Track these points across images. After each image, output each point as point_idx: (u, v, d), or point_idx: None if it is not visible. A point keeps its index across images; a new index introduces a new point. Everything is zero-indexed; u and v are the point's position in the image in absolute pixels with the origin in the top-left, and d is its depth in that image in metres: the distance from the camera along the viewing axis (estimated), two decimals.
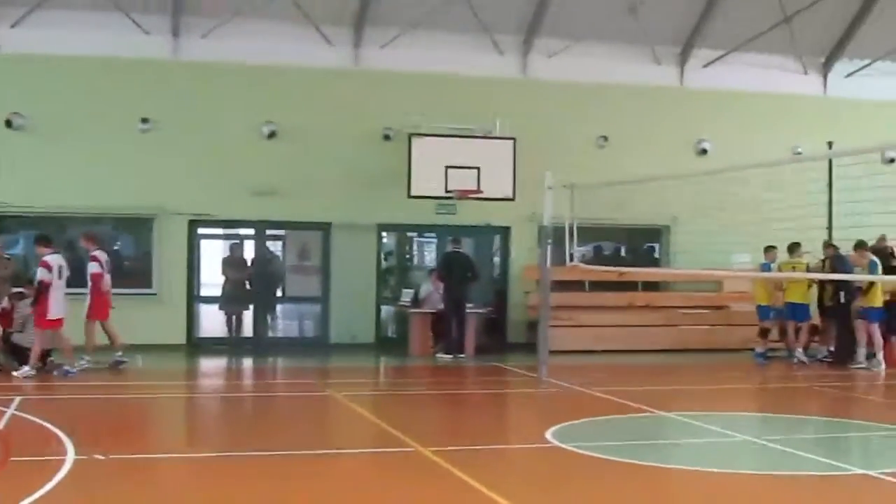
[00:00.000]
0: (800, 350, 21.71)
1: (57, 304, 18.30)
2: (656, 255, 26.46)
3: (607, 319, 24.08)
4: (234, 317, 24.45)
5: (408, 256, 26.78)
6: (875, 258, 20.84)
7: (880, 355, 20.80)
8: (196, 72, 23.24)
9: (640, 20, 24.57)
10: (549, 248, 18.77)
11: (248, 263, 24.91)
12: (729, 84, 25.83)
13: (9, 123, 22.30)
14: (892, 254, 22.32)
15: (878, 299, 20.93)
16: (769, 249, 21.63)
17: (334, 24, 23.81)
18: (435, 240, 26.13)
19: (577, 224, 18.92)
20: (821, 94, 26.93)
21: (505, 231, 24.91)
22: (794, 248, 21.52)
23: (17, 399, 15.27)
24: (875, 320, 20.90)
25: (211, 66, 23.21)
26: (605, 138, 25.07)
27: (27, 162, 22.31)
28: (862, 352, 20.96)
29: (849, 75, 26.95)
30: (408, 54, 23.96)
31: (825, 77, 27.01)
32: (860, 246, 20.80)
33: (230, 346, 23.79)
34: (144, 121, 22.85)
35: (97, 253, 19.34)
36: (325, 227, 24.12)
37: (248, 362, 22.42)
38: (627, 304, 24.64)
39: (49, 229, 21.08)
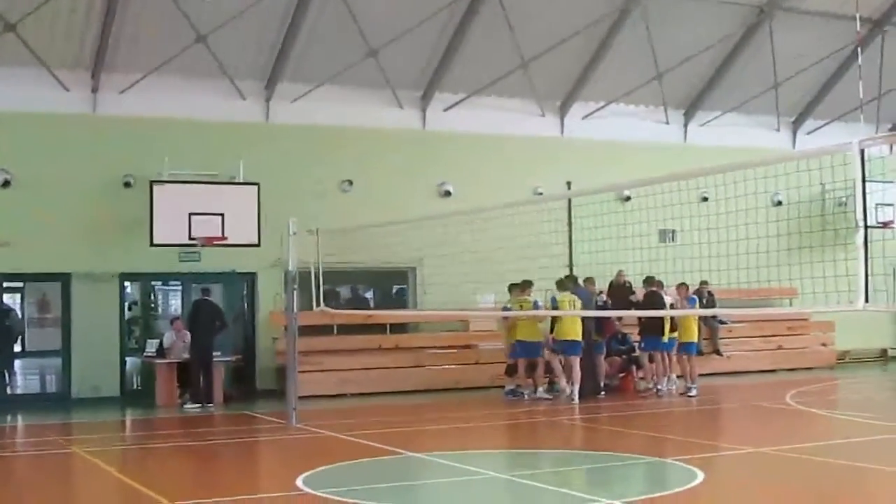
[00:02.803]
0: (539, 388, 22.18)
1: None
2: (404, 296, 26.61)
3: (356, 362, 24.09)
4: None
5: (152, 306, 26.22)
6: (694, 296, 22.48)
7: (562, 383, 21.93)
8: None
9: (382, 64, 24.78)
10: (295, 293, 18.64)
11: None
12: (470, 127, 26.32)
13: None
14: (630, 288, 23.16)
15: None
16: (513, 288, 22.08)
17: (70, 68, 23.14)
18: (180, 288, 25.65)
19: (324, 268, 18.86)
20: (559, 136, 27.70)
21: (251, 277, 24.64)
22: (525, 285, 22.00)
23: None
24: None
25: None
26: (350, 182, 25.13)
27: None
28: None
29: (585, 117, 27.83)
30: (148, 99, 23.45)
31: (562, 119, 27.80)
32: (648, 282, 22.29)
33: None
34: None
35: None
36: (64, 278, 23.34)
37: None
38: (376, 347, 24.69)
39: None
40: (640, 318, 22.68)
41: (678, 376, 22.86)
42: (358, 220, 20.76)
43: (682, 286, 22.05)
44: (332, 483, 12.63)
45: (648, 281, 22.24)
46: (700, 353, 26.01)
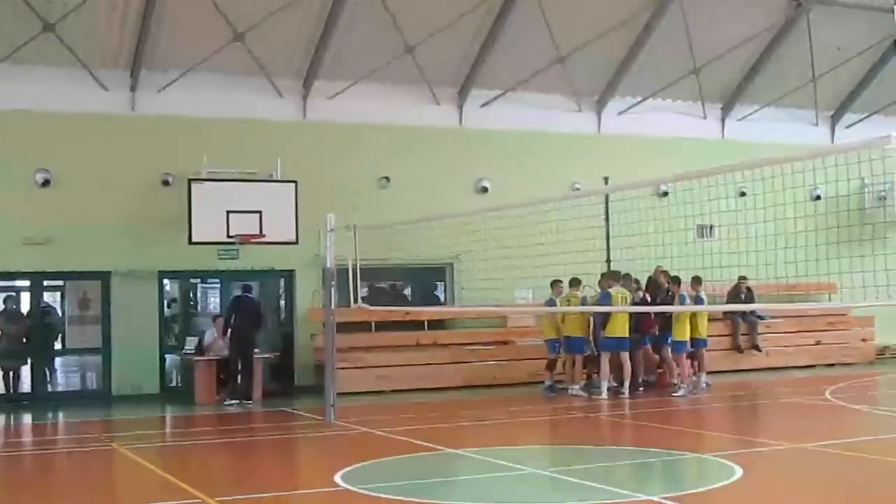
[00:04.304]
0: (576, 385, 22.08)
1: None
2: (441, 293, 26.64)
3: (394, 359, 24.10)
4: (11, 372, 23.58)
5: (191, 303, 26.32)
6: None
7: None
8: None
9: (418, 60, 24.83)
10: (333, 290, 18.70)
11: (25, 316, 24.12)
12: (507, 123, 26.32)
13: None
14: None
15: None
16: (555, 284, 22.04)
17: (109, 67, 23.31)
18: (219, 285, 25.77)
19: (361, 265, 18.91)
20: (596, 132, 27.65)
21: (289, 274, 24.73)
22: (573, 282, 21.95)
23: None
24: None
25: None
26: (387, 179, 25.19)
27: None
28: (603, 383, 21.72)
29: (621, 113, 27.78)
30: (186, 98, 23.61)
31: (599, 115, 27.76)
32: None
33: (7, 402, 22.89)
34: None
35: None
36: (103, 277, 23.51)
37: (26, 418, 21.63)
38: (414, 343, 24.71)
39: None
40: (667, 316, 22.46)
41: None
42: (395, 217, 20.79)
43: (675, 281, 21.45)
44: (370, 479, 12.66)
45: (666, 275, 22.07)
46: (740, 349, 26.05)
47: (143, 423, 20.38)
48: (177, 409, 22.29)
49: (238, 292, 23.31)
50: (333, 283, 18.70)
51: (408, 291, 27.43)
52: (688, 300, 21.35)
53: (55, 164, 22.83)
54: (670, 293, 21.78)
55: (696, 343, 22.38)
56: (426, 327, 25.21)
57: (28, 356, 23.71)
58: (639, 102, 27.75)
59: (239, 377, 22.03)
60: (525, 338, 24.97)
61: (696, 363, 22.59)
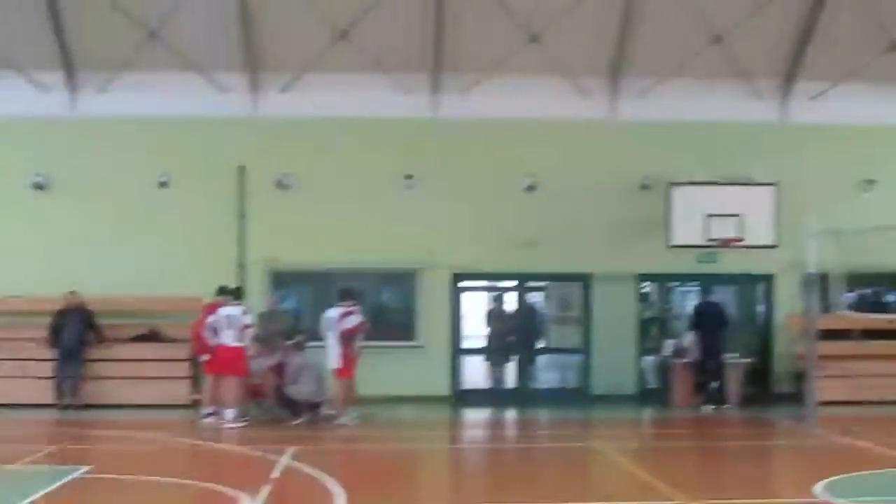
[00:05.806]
0: None
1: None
2: None
3: (879, 369, 23.15)
4: (497, 368, 24.82)
5: (668, 306, 26.53)
6: None
7: None
8: (456, 129, 23.68)
9: None
10: (814, 296, 18.30)
11: (511, 315, 25.27)
12: None
13: (280, 184, 23.28)
14: None
15: None
16: None
17: (590, 75, 23.92)
18: (697, 289, 25.83)
19: (842, 270, 18.43)
20: None
21: (767, 279, 24.38)
22: None
23: (291, 450, 15.81)
24: None
25: (469, 123, 23.63)
26: (871, 181, 24.28)
27: (298, 220, 23.25)
28: None
29: None
30: (664, 103, 23.83)
31: None
32: None
33: (493, 397, 24.09)
34: (408, 177, 23.47)
35: (354, 308, 19.95)
36: (585, 278, 24.18)
37: (511, 413, 22.65)
38: None
39: (319, 284, 21.90)
40: None
41: None
42: (878, 221, 20.07)
43: None
44: (852, 492, 12.36)
45: None
46: None
47: (622, 422, 20.82)
48: (653, 411, 22.58)
49: (700, 298, 23.54)
50: (815, 288, 18.31)
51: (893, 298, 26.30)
52: None
53: (539, 170, 23.67)
54: None
55: None
56: None
57: (513, 353, 24.88)
58: None
59: (714, 382, 22.05)
60: None
61: None
